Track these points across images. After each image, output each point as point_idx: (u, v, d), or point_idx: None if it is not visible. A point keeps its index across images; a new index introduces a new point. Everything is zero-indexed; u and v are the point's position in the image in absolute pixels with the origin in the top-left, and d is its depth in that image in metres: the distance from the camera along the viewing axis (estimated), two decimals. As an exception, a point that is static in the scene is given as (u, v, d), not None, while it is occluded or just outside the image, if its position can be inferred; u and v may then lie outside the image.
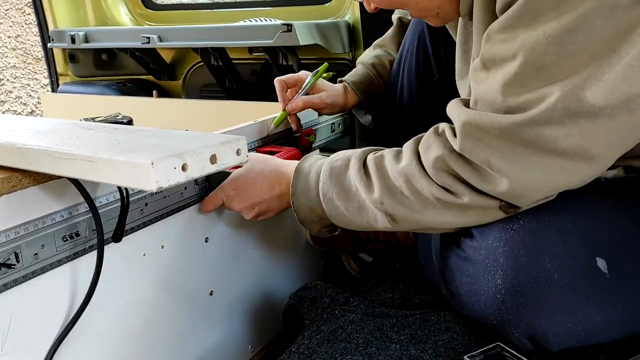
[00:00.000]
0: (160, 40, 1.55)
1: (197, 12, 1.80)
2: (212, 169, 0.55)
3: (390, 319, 0.83)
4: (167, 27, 1.58)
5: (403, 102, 1.14)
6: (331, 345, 0.78)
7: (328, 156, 0.81)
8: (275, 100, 1.05)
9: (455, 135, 0.67)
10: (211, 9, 1.79)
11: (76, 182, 0.62)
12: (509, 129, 0.62)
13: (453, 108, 0.69)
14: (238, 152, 0.59)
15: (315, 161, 0.81)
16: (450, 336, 0.78)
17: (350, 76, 1.17)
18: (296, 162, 0.82)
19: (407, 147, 0.73)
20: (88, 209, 0.64)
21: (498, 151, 0.63)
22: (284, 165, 0.83)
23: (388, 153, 0.74)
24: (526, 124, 0.61)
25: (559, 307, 0.67)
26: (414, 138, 0.74)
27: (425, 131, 0.73)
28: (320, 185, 0.77)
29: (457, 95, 0.74)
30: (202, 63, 1.59)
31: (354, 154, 0.77)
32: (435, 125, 0.71)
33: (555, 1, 0.58)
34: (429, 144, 0.69)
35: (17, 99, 2.81)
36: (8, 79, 2.77)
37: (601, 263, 0.67)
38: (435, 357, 0.73)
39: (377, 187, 0.72)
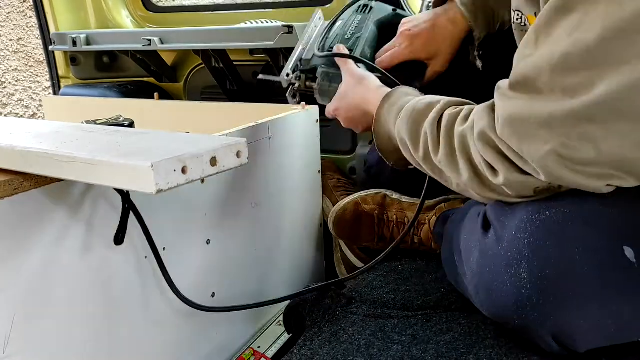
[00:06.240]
0: (162, 43, 1.55)
1: (198, 14, 1.80)
2: (212, 171, 0.56)
3: (392, 320, 0.83)
4: (169, 30, 1.58)
5: None
6: (333, 347, 0.78)
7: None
8: (275, 102, 1.04)
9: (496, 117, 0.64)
10: (212, 11, 1.79)
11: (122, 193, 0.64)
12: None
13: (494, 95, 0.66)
14: (238, 155, 0.59)
15: (404, 96, 0.82)
16: (452, 337, 0.78)
17: None
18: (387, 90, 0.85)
19: (475, 111, 0.69)
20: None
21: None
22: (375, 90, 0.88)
23: (463, 113, 0.70)
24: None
25: (588, 301, 0.63)
26: (485, 104, 0.68)
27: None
28: (397, 121, 0.78)
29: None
30: (203, 65, 1.59)
31: (439, 103, 0.74)
32: (497, 86, 0.65)
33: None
34: (481, 116, 0.66)
35: (19, 102, 2.81)
36: (10, 82, 2.78)
37: (629, 252, 0.62)
38: (437, 357, 0.73)
39: (441, 149, 0.71)
